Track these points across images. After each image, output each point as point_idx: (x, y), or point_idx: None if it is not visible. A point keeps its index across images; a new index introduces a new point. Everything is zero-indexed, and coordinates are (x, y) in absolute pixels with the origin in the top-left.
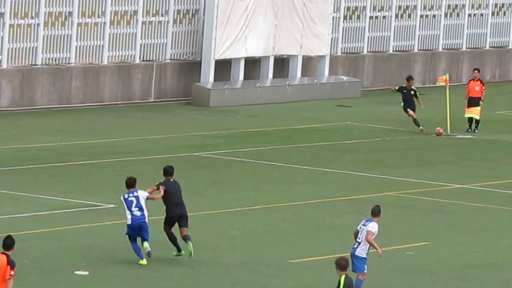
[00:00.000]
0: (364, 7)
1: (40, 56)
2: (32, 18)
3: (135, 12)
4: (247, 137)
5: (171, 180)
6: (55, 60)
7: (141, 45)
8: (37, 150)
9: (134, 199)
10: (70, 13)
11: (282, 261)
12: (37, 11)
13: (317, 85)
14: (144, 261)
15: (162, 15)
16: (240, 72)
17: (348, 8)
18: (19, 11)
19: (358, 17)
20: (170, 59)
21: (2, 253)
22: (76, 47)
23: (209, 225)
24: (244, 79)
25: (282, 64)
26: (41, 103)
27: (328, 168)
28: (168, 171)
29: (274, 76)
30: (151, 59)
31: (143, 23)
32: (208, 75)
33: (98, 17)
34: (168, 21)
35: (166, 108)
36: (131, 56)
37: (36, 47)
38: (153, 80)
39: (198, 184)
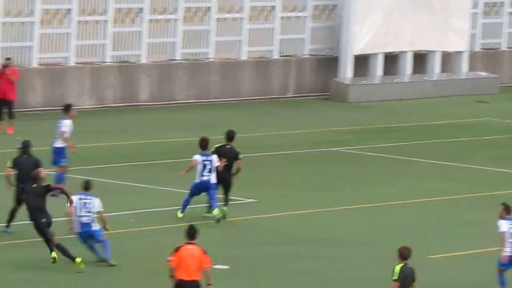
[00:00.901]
0: (503, 3)
1: (179, 51)
2: (171, 13)
3: (273, 7)
4: (385, 132)
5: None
6: (194, 55)
7: (279, 40)
8: (174, 145)
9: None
10: (209, 8)
11: (421, 256)
12: (175, 6)
13: (456, 80)
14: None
15: (300, 11)
16: (378, 67)
17: (487, 3)
18: (158, 6)
19: (497, 13)
20: (308, 55)
21: (189, 243)
22: (215, 42)
23: (345, 220)
24: (383, 74)
25: (420, 59)
26: (180, 98)
27: (466, 164)
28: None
29: (413, 72)
30: (289, 54)
31: (282, 18)
32: (346, 71)
33: (237, 12)
34: (306, 17)
35: (304, 104)
36: (269, 51)
37: (175, 42)
38: (291, 75)
39: (336, 179)
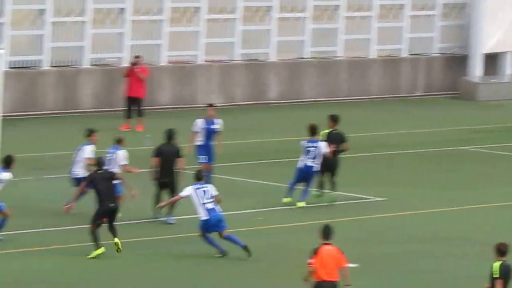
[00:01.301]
0: None
1: (307, 50)
2: (300, 11)
3: (402, 6)
4: None
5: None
6: (323, 54)
7: (408, 39)
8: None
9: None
10: (338, 7)
11: None
12: (304, 5)
13: None
14: None
15: (429, 9)
16: (508, 66)
17: None
18: (286, 4)
19: None
20: (438, 53)
21: (326, 243)
22: (344, 40)
23: (472, 219)
24: None
25: None
26: (309, 96)
27: None
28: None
29: None
30: (418, 53)
31: (411, 17)
32: (475, 69)
33: (366, 11)
34: (436, 15)
35: (433, 102)
36: (398, 49)
37: (304, 41)
38: (420, 74)
39: (467, 178)
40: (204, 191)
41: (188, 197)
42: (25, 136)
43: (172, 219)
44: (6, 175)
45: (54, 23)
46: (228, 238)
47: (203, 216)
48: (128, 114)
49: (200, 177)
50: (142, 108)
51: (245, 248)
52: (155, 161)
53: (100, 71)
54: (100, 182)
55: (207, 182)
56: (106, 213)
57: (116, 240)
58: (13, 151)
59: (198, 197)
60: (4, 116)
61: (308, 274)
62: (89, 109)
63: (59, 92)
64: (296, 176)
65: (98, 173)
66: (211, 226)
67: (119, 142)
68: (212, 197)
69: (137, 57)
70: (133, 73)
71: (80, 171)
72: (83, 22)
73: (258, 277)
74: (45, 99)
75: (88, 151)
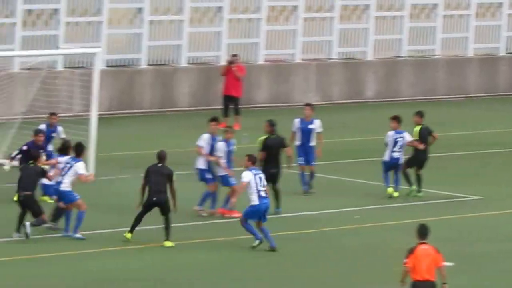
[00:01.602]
0: None
1: (405, 48)
2: (397, 10)
3: (501, 4)
4: None
5: None
6: (420, 52)
7: (506, 37)
8: None
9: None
10: (435, 6)
11: None
12: (401, 3)
13: None
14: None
15: None
16: None
17: None
18: (384, 3)
19: None
20: None
21: (422, 243)
22: (441, 39)
23: None
24: None
25: None
26: (406, 94)
27: None
28: None
29: None
30: None
31: (509, 15)
32: None
33: (464, 9)
34: None
35: None
36: (496, 48)
37: (401, 39)
38: None
39: None
40: (260, 177)
41: (247, 183)
42: (121, 135)
43: (280, 210)
44: (79, 165)
45: (151, 21)
46: (263, 231)
47: (255, 201)
48: (225, 113)
49: (254, 161)
50: (239, 106)
51: (273, 249)
52: (261, 154)
53: (197, 70)
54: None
55: (306, 183)
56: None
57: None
58: (109, 150)
59: (256, 183)
60: (100, 114)
61: (404, 274)
62: (186, 107)
63: (156, 90)
64: (384, 168)
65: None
66: (258, 213)
67: None
68: (265, 185)
69: (234, 55)
70: (230, 71)
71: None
72: (180, 20)
73: (355, 276)
74: (142, 97)
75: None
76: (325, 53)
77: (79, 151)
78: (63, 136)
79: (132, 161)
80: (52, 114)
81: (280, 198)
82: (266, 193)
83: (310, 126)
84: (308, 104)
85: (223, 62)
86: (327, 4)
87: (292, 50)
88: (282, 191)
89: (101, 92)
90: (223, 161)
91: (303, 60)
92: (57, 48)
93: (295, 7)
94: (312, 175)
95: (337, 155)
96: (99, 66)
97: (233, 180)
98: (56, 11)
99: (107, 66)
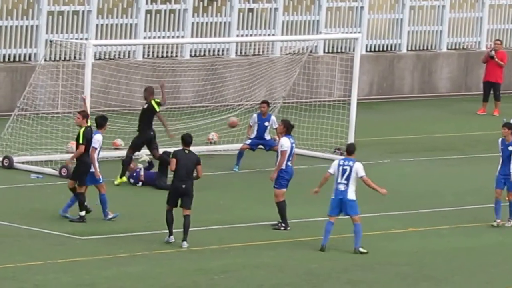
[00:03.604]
0: None
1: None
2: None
3: None
4: None
5: None
6: None
7: None
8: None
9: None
10: None
11: None
12: None
13: None
14: None
15: None
16: None
17: None
18: None
19: None
20: None
21: None
22: None
23: None
24: None
25: None
26: None
27: None
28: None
29: None
30: None
31: None
32: None
33: None
34: None
35: None
36: None
37: None
38: None
39: None
40: (344, 169)
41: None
42: (381, 120)
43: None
44: (99, 137)
45: (412, 7)
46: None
47: (332, 195)
48: (485, 98)
49: (351, 150)
50: (500, 92)
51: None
52: None
53: (457, 55)
54: None
55: None
56: None
57: None
58: (368, 135)
59: (337, 176)
60: (360, 99)
61: None
62: (446, 93)
63: (416, 75)
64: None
65: None
66: (334, 208)
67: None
68: (348, 178)
69: (497, 41)
70: (491, 59)
71: None
72: (441, 6)
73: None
74: (402, 83)
75: None
76: None
77: (100, 123)
78: (276, 126)
79: (393, 147)
80: (263, 102)
81: None
82: (347, 187)
83: None
84: None
85: (483, 48)
86: None
87: None
88: None
89: (361, 77)
90: None
91: None
92: (319, 33)
93: None
94: None
95: None
96: (359, 51)
97: None
98: None
99: (368, 51)
